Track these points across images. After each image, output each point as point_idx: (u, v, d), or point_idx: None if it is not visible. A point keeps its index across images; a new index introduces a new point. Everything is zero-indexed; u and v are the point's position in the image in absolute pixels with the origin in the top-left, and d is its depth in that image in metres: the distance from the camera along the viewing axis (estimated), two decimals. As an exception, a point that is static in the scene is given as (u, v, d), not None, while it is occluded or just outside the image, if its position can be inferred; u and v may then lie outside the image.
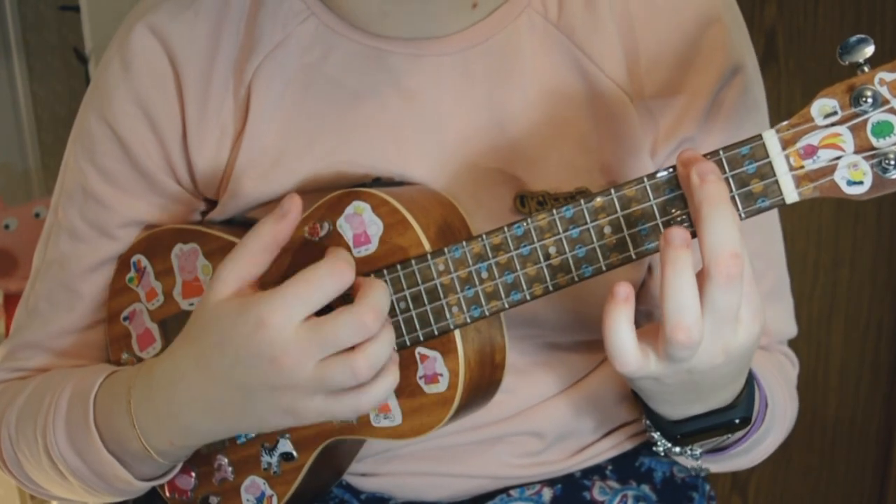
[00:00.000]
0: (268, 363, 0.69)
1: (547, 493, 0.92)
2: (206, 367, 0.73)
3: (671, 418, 0.75)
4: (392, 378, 0.72)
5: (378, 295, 0.69)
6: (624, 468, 0.95)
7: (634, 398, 0.80)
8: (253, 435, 0.82)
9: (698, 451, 0.79)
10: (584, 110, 0.81)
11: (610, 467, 0.95)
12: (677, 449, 0.79)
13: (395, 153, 0.82)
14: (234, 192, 0.84)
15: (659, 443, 0.79)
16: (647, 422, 0.80)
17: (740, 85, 0.82)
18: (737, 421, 0.74)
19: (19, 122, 3.36)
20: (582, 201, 0.68)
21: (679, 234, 0.62)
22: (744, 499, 1.71)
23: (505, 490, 0.92)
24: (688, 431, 0.75)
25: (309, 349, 0.68)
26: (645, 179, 0.66)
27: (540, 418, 0.90)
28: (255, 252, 0.72)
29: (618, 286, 0.64)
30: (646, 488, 0.94)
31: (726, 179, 0.65)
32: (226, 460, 0.84)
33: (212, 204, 0.88)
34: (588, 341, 0.90)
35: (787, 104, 1.53)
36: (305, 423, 0.74)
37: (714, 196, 0.62)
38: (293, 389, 0.70)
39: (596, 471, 0.95)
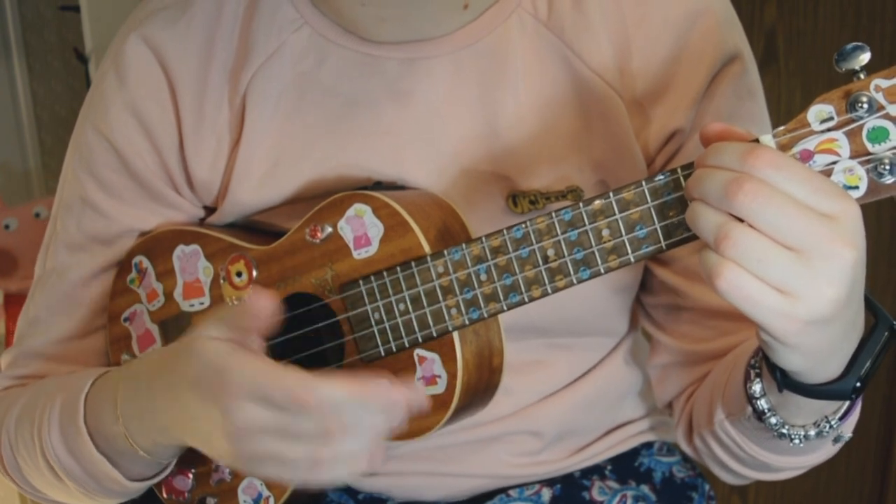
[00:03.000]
0: (225, 428, 0.67)
1: (546, 494, 0.92)
2: (173, 397, 0.72)
3: (839, 373, 0.67)
4: (357, 443, 0.65)
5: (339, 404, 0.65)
6: (623, 468, 0.96)
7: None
8: None
9: (836, 420, 0.71)
10: (574, 109, 0.82)
11: (609, 467, 0.95)
12: (812, 433, 0.71)
13: (391, 157, 0.82)
14: (233, 200, 0.85)
15: (795, 437, 0.71)
16: (773, 419, 0.72)
17: (733, 74, 0.82)
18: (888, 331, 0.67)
19: (19, 122, 3.36)
20: (581, 205, 0.68)
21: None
22: (743, 499, 1.71)
23: (504, 490, 0.92)
24: (864, 366, 0.66)
25: (266, 431, 0.66)
26: (643, 183, 0.66)
27: (538, 417, 0.90)
28: (242, 317, 0.69)
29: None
30: (645, 488, 0.94)
31: None
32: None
33: (210, 211, 0.89)
34: (586, 341, 0.91)
35: (787, 104, 1.52)
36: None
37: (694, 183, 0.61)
38: (245, 458, 0.68)
39: (595, 471, 0.95)
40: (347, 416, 0.64)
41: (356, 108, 0.83)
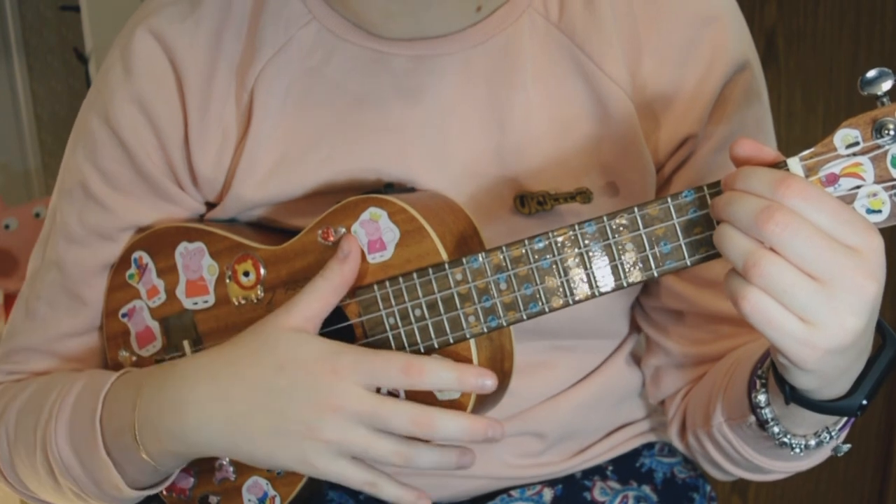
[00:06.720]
0: (320, 407, 0.72)
1: (547, 494, 0.92)
2: (249, 381, 0.74)
3: (846, 390, 0.69)
4: (443, 457, 0.74)
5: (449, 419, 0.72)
6: (625, 468, 0.96)
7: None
8: None
9: (836, 431, 0.74)
10: (584, 110, 0.81)
11: (611, 468, 0.95)
12: (813, 442, 0.74)
13: (398, 155, 0.82)
14: (235, 195, 0.84)
15: (796, 446, 0.74)
16: (776, 428, 0.74)
17: (744, 82, 0.82)
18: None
19: (19, 122, 3.36)
20: (604, 218, 0.68)
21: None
22: (744, 499, 1.71)
23: (505, 490, 0.92)
24: (870, 387, 0.69)
25: (362, 416, 0.72)
26: (668, 199, 0.66)
27: (541, 419, 0.90)
28: (325, 293, 0.75)
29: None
30: (646, 489, 0.95)
31: None
32: (227, 460, 0.84)
33: (211, 206, 0.88)
34: (589, 343, 0.91)
35: (787, 104, 1.52)
36: (314, 475, 0.75)
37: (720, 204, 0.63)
38: (325, 443, 0.72)
39: (596, 471, 0.95)
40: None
41: (364, 105, 0.82)
